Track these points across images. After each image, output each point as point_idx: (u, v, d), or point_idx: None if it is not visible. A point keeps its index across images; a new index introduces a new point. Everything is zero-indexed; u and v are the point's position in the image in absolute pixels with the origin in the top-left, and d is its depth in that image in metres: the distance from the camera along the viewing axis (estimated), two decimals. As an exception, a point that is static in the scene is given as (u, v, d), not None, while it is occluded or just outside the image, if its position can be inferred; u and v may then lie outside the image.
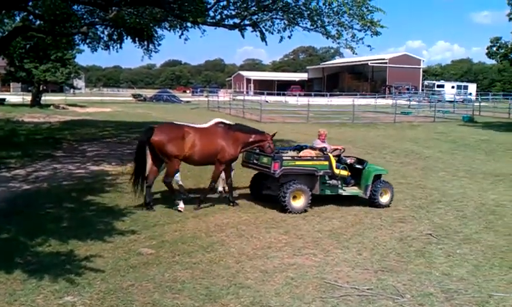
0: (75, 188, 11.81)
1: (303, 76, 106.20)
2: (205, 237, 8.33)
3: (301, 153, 10.99)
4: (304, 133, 27.62)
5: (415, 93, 73.71)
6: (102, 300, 5.82)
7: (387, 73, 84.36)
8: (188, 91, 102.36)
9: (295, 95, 67.83)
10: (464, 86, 78.77)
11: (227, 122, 11.03)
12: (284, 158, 10.38)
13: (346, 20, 16.49)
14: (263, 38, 18.86)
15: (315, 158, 10.74)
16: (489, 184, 14.42)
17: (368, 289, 6.34)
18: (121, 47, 22.42)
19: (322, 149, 11.06)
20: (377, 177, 11.21)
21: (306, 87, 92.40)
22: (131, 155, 15.30)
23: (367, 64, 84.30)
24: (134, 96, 67.59)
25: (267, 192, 11.03)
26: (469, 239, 8.77)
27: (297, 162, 10.47)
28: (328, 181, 10.82)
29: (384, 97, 68.85)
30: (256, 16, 18.71)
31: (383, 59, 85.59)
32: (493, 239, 8.82)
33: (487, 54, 38.50)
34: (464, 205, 11.48)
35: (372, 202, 10.97)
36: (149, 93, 75.26)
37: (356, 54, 18.09)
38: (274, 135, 11.07)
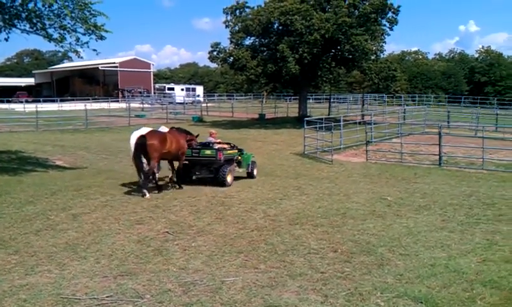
0: None
1: (30, 81, 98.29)
2: None
3: (218, 146, 14.96)
4: (34, 142, 25.83)
5: (147, 96, 75.29)
6: None
7: (119, 77, 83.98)
8: None
9: (22, 102, 62.37)
10: (192, 88, 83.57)
11: (176, 127, 15.36)
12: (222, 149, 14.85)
13: (69, 23, 15.94)
14: (-25, 40, 16.89)
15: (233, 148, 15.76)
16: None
17: (107, 296, 6.24)
18: None
19: (229, 143, 16.26)
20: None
21: (34, 93, 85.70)
22: None
23: (98, 68, 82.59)
24: None
25: (200, 176, 15.06)
26: (203, 231, 9.40)
27: (228, 152, 15.15)
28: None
29: (117, 101, 68.66)
30: (-36, 16, 16.56)
31: (114, 63, 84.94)
32: (223, 229, 9.62)
33: (209, 58, 40.72)
34: (198, 200, 12.28)
35: (249, 175, 16.40)
36: None
37: (82, 57, 17.78)
38: (198, 135, 15.24)
